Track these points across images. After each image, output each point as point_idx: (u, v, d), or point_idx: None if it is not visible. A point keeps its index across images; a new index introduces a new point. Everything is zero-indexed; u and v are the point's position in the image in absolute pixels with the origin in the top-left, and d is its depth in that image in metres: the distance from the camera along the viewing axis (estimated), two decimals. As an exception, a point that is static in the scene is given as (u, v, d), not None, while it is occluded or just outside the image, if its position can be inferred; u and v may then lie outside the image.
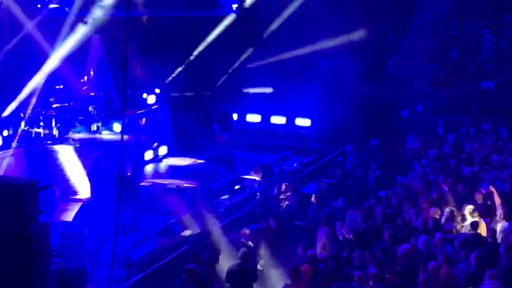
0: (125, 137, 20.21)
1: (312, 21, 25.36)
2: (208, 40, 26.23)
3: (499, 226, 15.74)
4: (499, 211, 16.36)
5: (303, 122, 25.49)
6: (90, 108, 22.73)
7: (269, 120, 26.30)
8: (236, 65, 27.05)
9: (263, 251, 16.33)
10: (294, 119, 25.63)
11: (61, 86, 22.52)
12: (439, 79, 26.45)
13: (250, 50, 26.69)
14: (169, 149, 24.75)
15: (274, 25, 26.17)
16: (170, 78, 25.99)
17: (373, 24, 26.46)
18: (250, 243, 15.92)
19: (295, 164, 22.89)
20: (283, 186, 19.28)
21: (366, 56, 26.71)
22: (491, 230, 15.61)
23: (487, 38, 27.49)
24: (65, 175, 20.82)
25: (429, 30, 28.62)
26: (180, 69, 26.19)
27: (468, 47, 27.64)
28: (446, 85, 26.32)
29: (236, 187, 20.22)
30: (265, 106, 26.37)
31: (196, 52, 26.21)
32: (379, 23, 26.55)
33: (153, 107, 24.93)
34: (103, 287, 12.84)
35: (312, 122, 25.39)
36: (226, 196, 19.82)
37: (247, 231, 16.29)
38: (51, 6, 24.23)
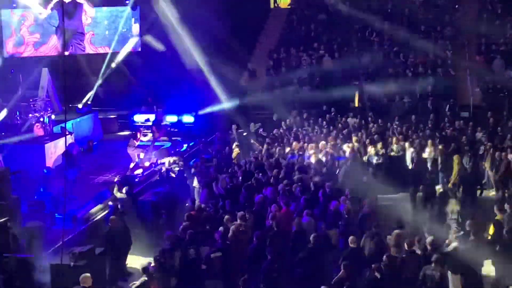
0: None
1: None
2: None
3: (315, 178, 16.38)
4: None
5: (188, 119, 25.37)
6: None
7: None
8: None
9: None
10: (182, 117, 25.45)
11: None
12: (274, 86, 26.82)
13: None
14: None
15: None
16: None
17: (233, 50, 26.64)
18: None
19: (184, 146, 22.90)
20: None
21: (226, 76, 27.01)
22: (314, 182, 16.20)
23: (304, 59, 28.14)
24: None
25: (266, 54, 29.11)
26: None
27: (291, 65, 28.15)
28: (279, 89, 26.69)
29: (146, 163, 20.00)
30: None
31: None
32: (236, 51, 26.73)
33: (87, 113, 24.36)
34: (57, 237, 12.61)
35: (194, 119, 25.32)
36: (140, 171, 19.57)
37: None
38: None
